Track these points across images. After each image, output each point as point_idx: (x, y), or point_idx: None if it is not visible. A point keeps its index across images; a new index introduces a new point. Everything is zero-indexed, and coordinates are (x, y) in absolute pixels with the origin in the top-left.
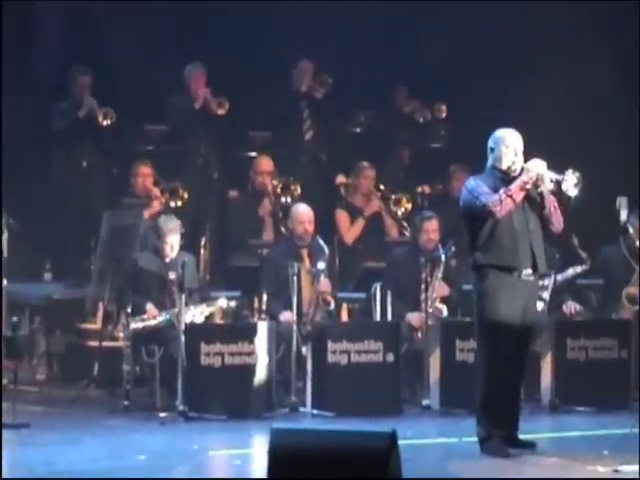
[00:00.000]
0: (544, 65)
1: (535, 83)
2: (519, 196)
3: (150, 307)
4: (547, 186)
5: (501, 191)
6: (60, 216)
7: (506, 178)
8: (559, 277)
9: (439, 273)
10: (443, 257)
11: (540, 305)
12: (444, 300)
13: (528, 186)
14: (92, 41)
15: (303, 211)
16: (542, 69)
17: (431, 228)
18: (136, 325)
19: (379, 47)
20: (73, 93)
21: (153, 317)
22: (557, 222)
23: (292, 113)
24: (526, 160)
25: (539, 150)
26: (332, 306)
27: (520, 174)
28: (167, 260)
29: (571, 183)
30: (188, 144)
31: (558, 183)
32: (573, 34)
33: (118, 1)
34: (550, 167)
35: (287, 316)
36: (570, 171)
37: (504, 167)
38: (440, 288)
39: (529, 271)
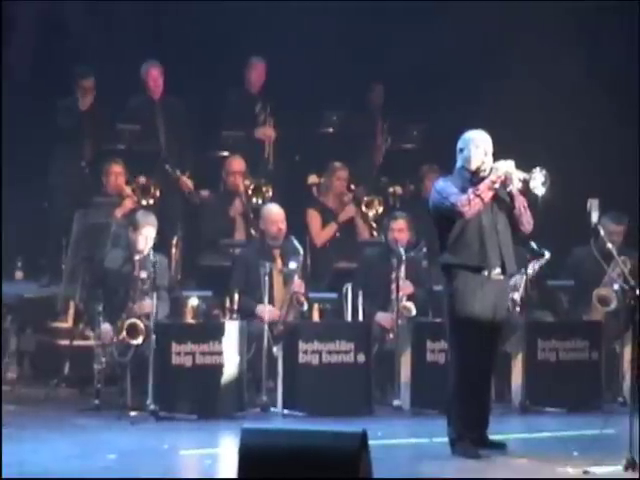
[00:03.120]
0: (517, 66)
1: (507, 84)
2: (487, 195)
3: (105, 328)
4: (516, 185)
5: (469, 191)
6: (36, 215)
7: (475, 179)
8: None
9: (401, 272)
10: (404, 256)
11: (511, 305)
12: (410, 298)
13: (496, 185)
14: (65, 39)
15: (275, 211)
16: (515, 70)
17: (398, 227)
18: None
19: (351, 46)
20: (76, 95)
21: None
22: (527, 222)
23: (249, 113)
24: (496, 161)
25: (511, 151)
26: (305, 307)
27: (489, 174)
28: (137, 257)
29: (538, 181)
30: (154, 143)
31: (526, 182)
32: (546, 35)
33: (86, 2)
34: (520, 167)
35: (265, 310)
36: (537, 169)
37: (473, 168)
38: (405, 286)
39: (498, 270)
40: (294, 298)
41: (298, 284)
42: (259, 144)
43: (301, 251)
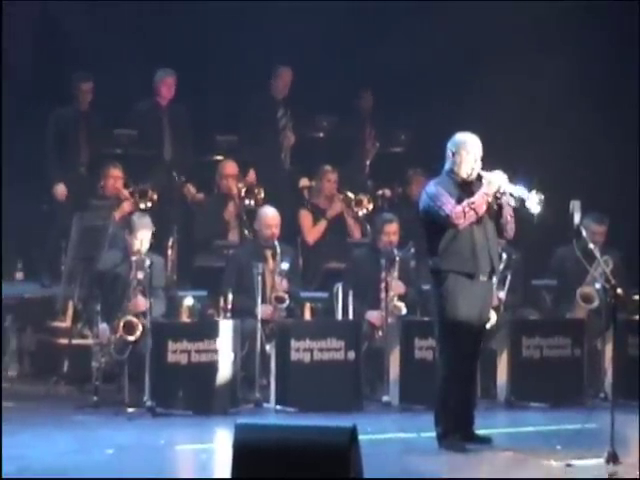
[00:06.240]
0: (503, 71)
1: (494, 89)
2: (482, 209)
3: (103, 327)
4: (508, 200)
5: (464, 203)
6: (36, 217)
7: (463, 184)
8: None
9: (395, 272)
10: (397, 257)
11: (495, 304)
12: (401, 298)
13: (489, 199)
14: (62, 45)
15: (271, 215)
16: (501, 75)
17: (392, 230)
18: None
19: (341, 52)
20: (76, 99)
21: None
22: (511, 230)
23: (269, 117)
24: (483, 164)
25: (495, 154)
26: (286, 303)
27: (479, 180)
28: (134, 258)
29: (534, 202)
30: (156, 148)
31: (522, 201)
32: (532, 39)
33: (86, 2)
34: (510, 176)
35: (264, 309)
36: (534, 192)
37: (463, 174)
38: (397, 286)
39: (486, 275)
40: (273, 297)
41: (278, 283)
42: (277, 148)
43: (279, 250)
